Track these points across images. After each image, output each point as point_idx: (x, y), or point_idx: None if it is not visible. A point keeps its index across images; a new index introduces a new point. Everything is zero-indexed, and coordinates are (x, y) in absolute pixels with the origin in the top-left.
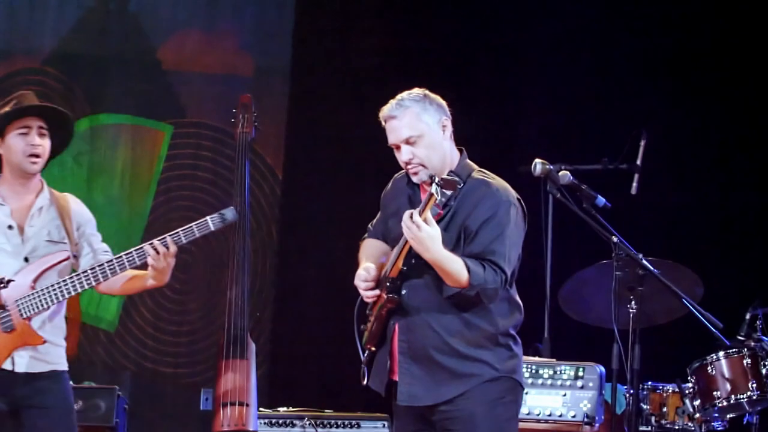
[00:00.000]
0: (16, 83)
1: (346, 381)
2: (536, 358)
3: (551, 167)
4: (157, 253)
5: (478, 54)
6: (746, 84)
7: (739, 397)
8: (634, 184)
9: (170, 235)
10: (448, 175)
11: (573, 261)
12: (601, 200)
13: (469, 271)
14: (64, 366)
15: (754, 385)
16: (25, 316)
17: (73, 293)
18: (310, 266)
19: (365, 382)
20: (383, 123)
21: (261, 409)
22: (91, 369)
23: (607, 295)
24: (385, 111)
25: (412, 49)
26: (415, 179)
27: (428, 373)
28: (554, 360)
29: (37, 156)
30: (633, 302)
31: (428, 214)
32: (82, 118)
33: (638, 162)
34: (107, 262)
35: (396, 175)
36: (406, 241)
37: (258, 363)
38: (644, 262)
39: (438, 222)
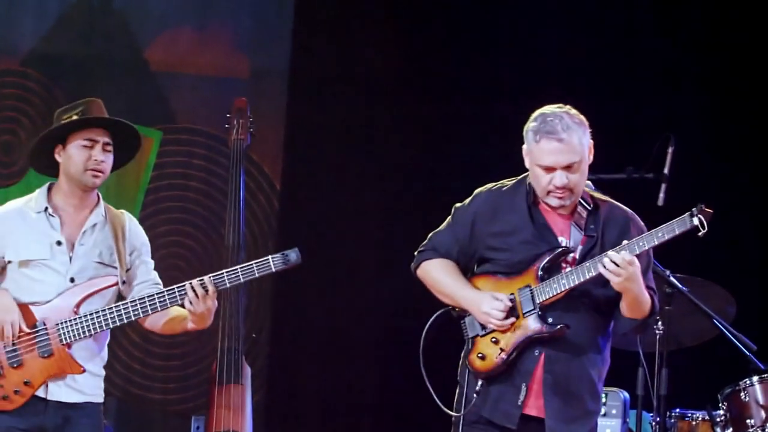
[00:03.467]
0: None
1: (349, 409)
2: None
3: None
4: (196, 295)
5: (488, 57)
6: None
7: None
8: (661, 195)
9: (214, 276)
10: (581, 199)
11: None
12: None
13: (651, 299)
14: (100, 398)
15: None
16: (65, 342)
17: (118, 323)
18: (311, 285)
19: (462, 411)
20: (536, 140)
21: None
22: None
23: None
24: (546, 130)
25: (421, 49)
26: (556, 203)
27: (566, 408)
28: None
29: (99, 171)
30: (660, 322)
31: None
32: None
33: (666, 171)
34: (151, 295)
35: (491, 187)
36: (579, 279)
37: (254, 389)
38: (672, 279)
39: (584, 248)
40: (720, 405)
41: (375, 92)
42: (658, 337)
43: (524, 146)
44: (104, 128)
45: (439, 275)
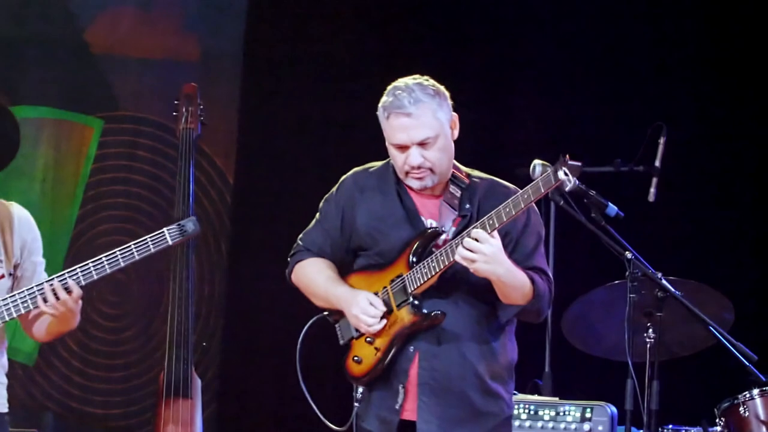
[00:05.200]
0: None
1: (306, 423)
2: (535, 397)
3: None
4: (56, 297)
5: (466, 39)
6: None
7: None
8: (652, 190)
9: (94, 263)
10: (453, 177)
11: (579, 281)
12: (612, 209)
13: (532, 281)
14: (2, 407)
15: None
16: None
17: None
18: (266, 288)
19: (345, 427)
20: (386, 116)
21: None
22: None
23: (619, 322)
24: (394, 105)
25: (390, 29)
26: (416, 185)
27: (447, 409)
28: (557, 399)
29: None
30: (650, 330)
31: None
32: None
33: (657, 163)
34: (21, 292)
35: (357, 170)
36: (445, 263)
37: (204, 403)
38: (664, 282)
39: (458, 229)
40: (717, 421)
41: (335, 77)
42: (648, 346)
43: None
44: None
45: (310, 275)
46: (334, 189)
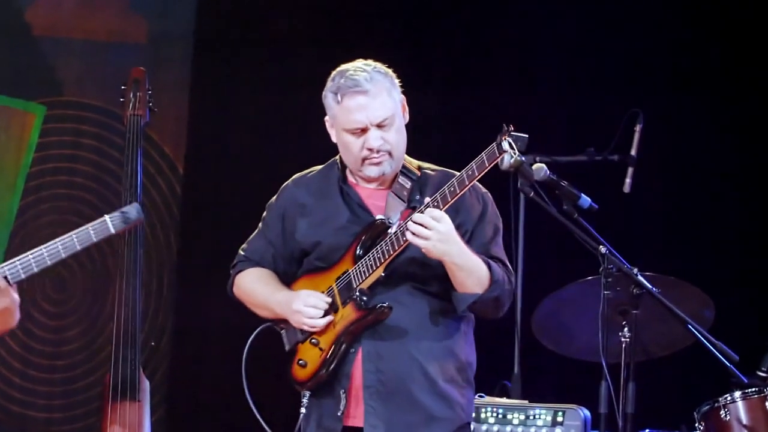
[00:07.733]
0: None
1: (258, 427)
2: (504, 400)
3: (523, 159)
4: None
5: (429, 24)
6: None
7: None
8: (628, 180)
9: (20, 260)
10: (404, 168)
11: (550, 277)
12: (585, 200)
13: (489, 266)
14: None
15: None
16: None
17: None
18: (218, 284)
19: None
20: (338, 100)
21: None
22: None
23: (593, 321)
24: (348, 85)
25: (345, 11)
26: (374, 171)
27: (397, 413)
28: (526, 402)
29: None
30: (626, 329)
31: None
32: None
33: (633, 152)
34: None
35: (298, 176)
36: (392, 250)
37: (153, 405)
38: (640, 278)
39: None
40: (696, 425)
41: (290, 60)
42: (623, 346)
43: (326, 117)
44: None
45: (250, 285)
46: (274, 197)
